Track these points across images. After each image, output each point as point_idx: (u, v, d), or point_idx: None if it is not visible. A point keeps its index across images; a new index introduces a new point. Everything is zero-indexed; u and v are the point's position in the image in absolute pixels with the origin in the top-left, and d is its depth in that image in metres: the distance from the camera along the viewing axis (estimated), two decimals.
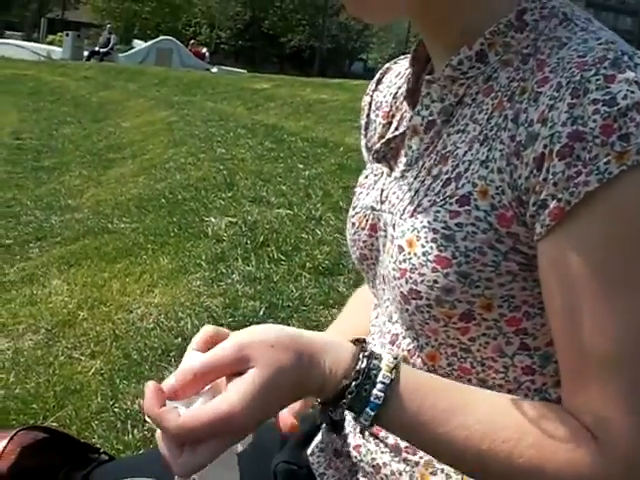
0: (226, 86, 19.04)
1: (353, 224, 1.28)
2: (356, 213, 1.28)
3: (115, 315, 4.64)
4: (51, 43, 46.02)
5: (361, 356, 0.98)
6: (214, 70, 33.52)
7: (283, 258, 5.21)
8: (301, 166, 8.54)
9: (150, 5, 64.08)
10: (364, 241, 1.25)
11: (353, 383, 0.96)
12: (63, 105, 17.64)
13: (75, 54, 34.60)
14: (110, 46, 34.93)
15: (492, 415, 0.98)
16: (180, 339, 4.15)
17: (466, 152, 1.05)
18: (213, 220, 6.19)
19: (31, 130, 13.96)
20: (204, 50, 43.54)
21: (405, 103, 1.26)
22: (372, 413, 0.96)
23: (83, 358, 4.18)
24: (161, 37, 40.43)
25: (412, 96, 1.24)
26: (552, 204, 0.92)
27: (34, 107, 17.36)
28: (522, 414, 0.98)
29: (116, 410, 3.59)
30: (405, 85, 1.26)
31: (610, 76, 0.90)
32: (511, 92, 1.02)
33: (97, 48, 34.73)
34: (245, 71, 36.52)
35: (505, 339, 1.05)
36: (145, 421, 3.36)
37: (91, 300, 4.92)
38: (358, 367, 0.97)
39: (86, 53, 35.01)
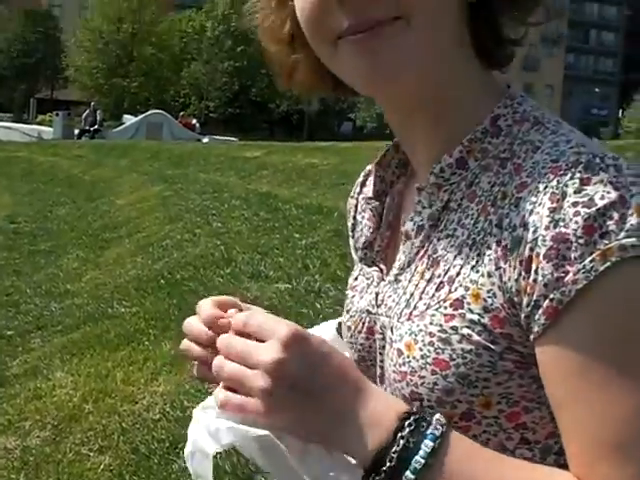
0: (218, 156, 19.13)
1: (349, 327, 1.29)
2: (351, 317, 1.29)
3: (121, 407, 4.61)
4: (41, 123, 46.34)
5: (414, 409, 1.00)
6: (205, 140, 33.64)
7: None
8: (297, 235, 8.55)
9: (138, 80, 64.82)
10: (361, 344, 1.26)
11: (406, 424, 0.97)
12: (56, 185, 17.72)
13: (66, 133, 34.71)
14: (99, 122, 35.06)
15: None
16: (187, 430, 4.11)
17: (456, 256, 1.08)
18: None
19: (26, 213, 14.01)
20: (194, 121, 43.82)
21: (373, 206, 1.32)
22: (428, 449, 0.95)
23: (91, 454, 4.15)
24: (151, 111, 40.59)
25: (378, 199, 1.31)
26: (545, 304, 0.95)
27: (28, 189, 17.43)
28: None
29: None
30: (373, 188, 1.32)
31: (585, 179, 0.95)
32: (494, 197, 1.06)
33: (85, 126, 34.79)
34: (236, 139, 36.71)
35: (505, 435, 1.06)
36: None
37: (96, 392, 4.89)
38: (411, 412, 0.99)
39: (77, 132, 35.11)
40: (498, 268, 1.01)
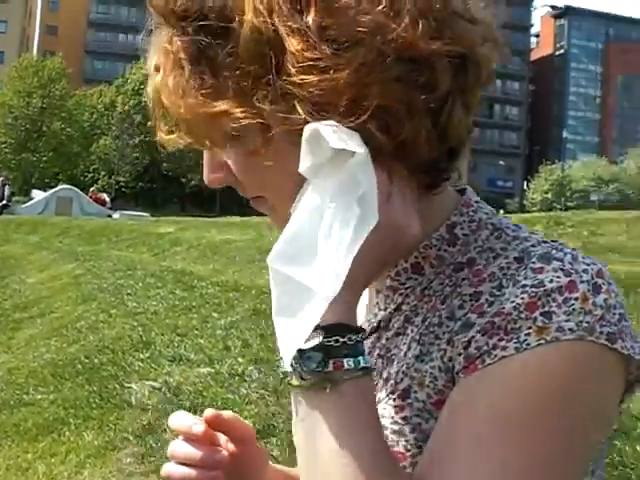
0: (130, 232, 19.00)
1: None
2: None
3: None
4: None
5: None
6: (116, 216, 33.50)
7: None
8: (216, 315, 8.50)
9: (47, 154, 64.51)
10: None
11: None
12: None
13: None
14: (7, 197, 34.51)
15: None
16: None
17: (406, 352, 1.10)
18: (135, 387, 6.05)
19: None
20: (105, 196, 43.50)
21: None
22: (361, 364, 0.97)
23: None
24: (60, 186, 40.36)
25: None
26: (470, 364, 0.98)
27: None
28: None
29: None
30: None
31: (539, 268, 0.99)
32: (444, 295, 1.09)
33: None
34: (147, 214, 36.68)
35: None
36: None
37: None
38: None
39: None
40: (440, 350, 1.03)
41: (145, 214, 36.73)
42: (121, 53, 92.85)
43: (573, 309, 0.95)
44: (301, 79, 0.94)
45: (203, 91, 0.99)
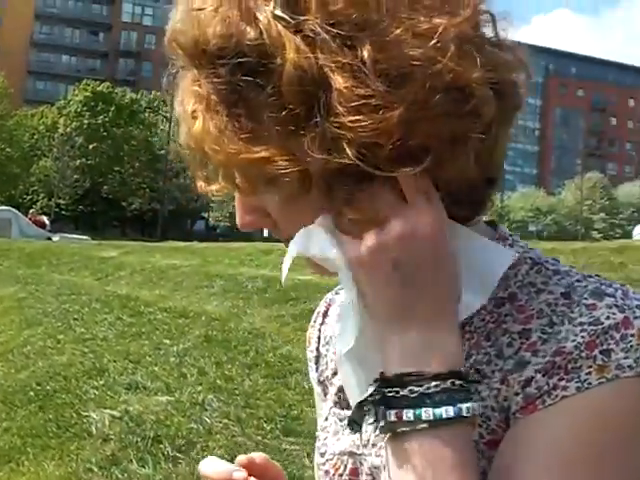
0: (72, 256, 18.83)
1: (327, 472, 1.21)
2: (327, 460, 1.22)
3: None
4: None
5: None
6: (56, 238, 33.26)
7: (179, 455, 4.99)
8: (167, 341, 8.42)
9: None
10: None
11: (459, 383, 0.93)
12: None
13: None
14: None
15: None
16: None
17: None
18: (94, 416, 5.92)
19: None
20: (44, 218, 43.19)
21: None
22: (422, 417, 0.91)
23: None
24: None
25: None
26: (530, 404, 0.96)
27: None
28: None
29: None
30: None
31: (592, 305, 0.97)
32: (487, 332, 1.05)
33: None
34: (88, 237, 36.51)
35: None
36: None
37: None
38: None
39: None
40: (493, 389, 1.01)
41: (85, 237, 36.52)
42: (64, 74, 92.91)
43: (630, 346, 0.95)
44: (351, 120, 0.88)
45: (242, 135, 0.93)
